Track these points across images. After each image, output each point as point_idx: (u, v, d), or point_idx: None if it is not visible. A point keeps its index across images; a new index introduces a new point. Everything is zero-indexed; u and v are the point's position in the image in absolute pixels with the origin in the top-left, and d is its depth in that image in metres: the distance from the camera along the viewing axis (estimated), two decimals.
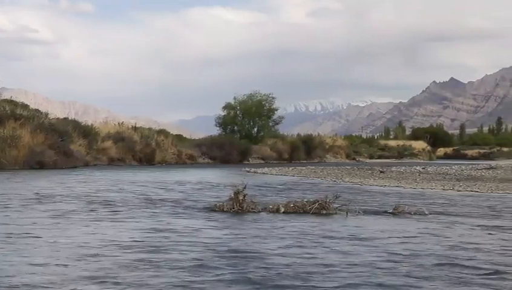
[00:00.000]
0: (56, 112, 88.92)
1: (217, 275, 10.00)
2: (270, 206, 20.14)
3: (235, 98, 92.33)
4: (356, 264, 11.07)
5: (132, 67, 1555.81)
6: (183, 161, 70.51)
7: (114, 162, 62.10)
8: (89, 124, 67.68)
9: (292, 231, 15.55)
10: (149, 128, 75.89)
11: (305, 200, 20.45)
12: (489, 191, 31.76)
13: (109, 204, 21.06)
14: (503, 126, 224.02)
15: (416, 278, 10.03)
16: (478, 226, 17.27)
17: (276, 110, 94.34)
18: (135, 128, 71.22)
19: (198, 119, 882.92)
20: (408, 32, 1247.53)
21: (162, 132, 76.00)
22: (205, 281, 9.58)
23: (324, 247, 13.07)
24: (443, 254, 12.38)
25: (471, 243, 13.95)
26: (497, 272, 10.64)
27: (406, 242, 14.02)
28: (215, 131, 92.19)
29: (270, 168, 57.33)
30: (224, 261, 11.11)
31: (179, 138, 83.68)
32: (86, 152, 58.77)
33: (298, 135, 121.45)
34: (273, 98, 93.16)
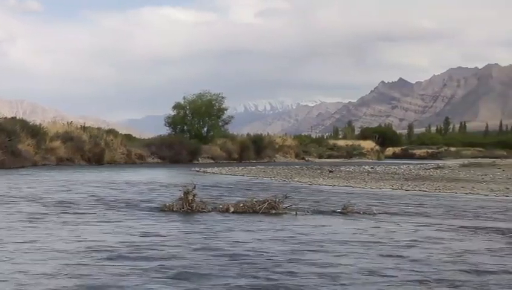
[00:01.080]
0: (4, 111, 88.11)
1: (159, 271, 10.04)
2: (220, 206, 20.17)
3: (184, 98, 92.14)
4: (291, 261, 11.17)
5: (80, 66, 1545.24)
6: (132, 161, 70.10)
7: (62, 162, 61.53)
8: (38, 123, 66.94)
9: (238, 230, 15.65)
10: (98, 128, 75.39)
11: (254, 200, 20.49)
12: (437, 191, 32.14)
13: (57, 205, 20.85)
14: (451, 126, 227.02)
15: (346, 279, 10.14)
16: (424, 225, 17.52)
17: (226, 109, 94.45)
18: (84, 128, 70.67)
19: (147, 119, 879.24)
20: (356, 32, 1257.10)
21: (111, 132, 75.49)
22: (146, 281, 9.61)
23: (269, 246, 13.15)
24: (388, 254, 12.54)
25: (416, 241, 14.18)
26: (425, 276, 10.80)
27: (349, 241, 14.16)
28: (165, 131, 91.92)
29: (220, 168, 57.31)
30: (162, 262, 11.14)
31: (128, 137, 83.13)
32: (34, 152, 58.18)
33: (248, 134, 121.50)
34: (222, 97, 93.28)
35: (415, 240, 14.44)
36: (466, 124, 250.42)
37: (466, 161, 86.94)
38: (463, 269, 10.94)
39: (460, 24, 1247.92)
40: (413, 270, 10.70)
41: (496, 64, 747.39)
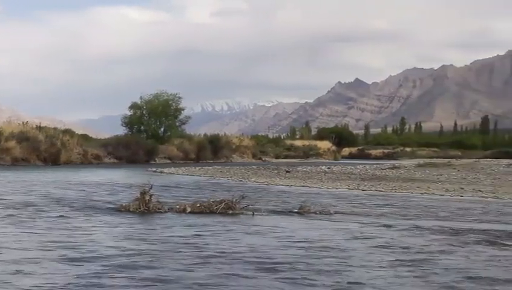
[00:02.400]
0: None
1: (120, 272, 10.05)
2: (177, 207, 20.17)
3: (141, 98, 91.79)
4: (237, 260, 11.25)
5: (36, 66, 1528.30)
6: (88, 161, 69.69)
7: (18, 162, 61.04)
8: None
9: (193, 229, 15.72)
10: (54, 128, 74.82)
11: (211, 200, 20.53)
12: (393, 191, 32.43)
13: (10, 207, 20.72)
14: (407, 126, 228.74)
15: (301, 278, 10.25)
16: (374, 224, 17.75)
17: (183, 110, 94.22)
18: (39, 128, 70.11)
19: (104, 119, 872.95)
20: (314, 33, 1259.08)
21: (67, 132, 74.98)
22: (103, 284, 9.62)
23: (222, 246, 13.21)
24: (344, 253, 12.68)
25: (365, 239, 14.36)
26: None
27: (303, 241, 14.27)
28: (122, 131, 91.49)
29: (177, 168, 57.24)
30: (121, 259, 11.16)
31: (85, 137, 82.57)
32: None
33: (205, 134, 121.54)
34: (179, 97, 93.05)
35: (356, 238, 14.81)
36: (422, 125, 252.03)
37: (421, 161, 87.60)
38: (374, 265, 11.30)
39: (416, 25, 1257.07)
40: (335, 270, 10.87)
41: (451, 65, 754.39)
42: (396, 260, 11.96)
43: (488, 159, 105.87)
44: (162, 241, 13.90)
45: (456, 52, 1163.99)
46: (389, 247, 13.59)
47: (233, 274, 10.31)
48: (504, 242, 14.67)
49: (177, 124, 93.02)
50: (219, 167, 61.40)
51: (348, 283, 9.90)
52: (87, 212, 19.27)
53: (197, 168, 59.45)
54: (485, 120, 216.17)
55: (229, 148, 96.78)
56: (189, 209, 19.63)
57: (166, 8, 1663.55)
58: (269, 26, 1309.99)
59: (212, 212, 19.35)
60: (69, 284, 9.43)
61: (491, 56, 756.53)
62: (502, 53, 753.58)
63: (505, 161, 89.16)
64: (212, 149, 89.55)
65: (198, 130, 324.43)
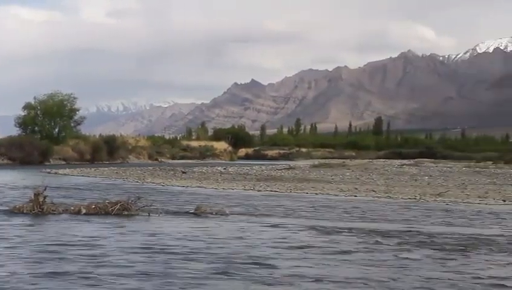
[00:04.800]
0: None
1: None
2: (72, 208, 20.00)
3: (35, 98, 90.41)
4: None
5: None
6: None
7: None
8: None
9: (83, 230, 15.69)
10: None
11: (107, 201, 20.44)
12: (289, 191, 32.81)
13: None
14: (302, 127, 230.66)
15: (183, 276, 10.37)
16: (271, 224, 18.04)
17: (78, 110, 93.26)
18: None
19: None
20: (209, 33, 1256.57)
21: None
22: None
23: (117, 247, 13.22)
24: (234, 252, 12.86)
25: (259, 239, 14.60)
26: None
27: (196, 240, 14.40)
28: (15, 131, 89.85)
29: (72, 169, 56.55)
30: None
31: None
32: None
33: (100, 135, 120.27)
34: (74, 98, 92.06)
35: (239, 237, 15.13)
36: (317, 125, 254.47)
37: (316, 161, 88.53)
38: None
39: (312, 27, 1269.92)
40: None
41: (345, 66, 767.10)
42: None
43: (381, 160, 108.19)
44: (50, 242, 13.82)
45: (351, 54, 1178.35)
46: (267, 244, 14.01)
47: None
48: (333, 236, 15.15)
49: (72, 124, 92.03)
50: (115, 168, 60.93)
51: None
52: None
53: (93, 169, 58.88)
54: (378, 121, 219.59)
55: (125, 149, 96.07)
56: (84, 211, 19.49)
57: (61, 8, 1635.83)
58: (164, 26, 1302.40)
59: (107, 214, 19.27)
60: None
61: (384, 58, 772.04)
62: (394, 55, 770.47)
63: (397, 162, 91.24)
64: (108, 150, 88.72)
65: (94, 130, 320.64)
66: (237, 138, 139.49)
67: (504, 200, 27.69)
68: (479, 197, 29.38)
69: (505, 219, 20.77)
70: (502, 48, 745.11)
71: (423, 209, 23.44)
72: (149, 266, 11.16)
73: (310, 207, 23.76)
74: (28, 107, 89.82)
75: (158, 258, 12.00)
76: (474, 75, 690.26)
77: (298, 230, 16.87)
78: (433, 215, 21.35)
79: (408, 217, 20.59)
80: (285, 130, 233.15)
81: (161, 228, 16.76)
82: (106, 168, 59.59)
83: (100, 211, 19.55)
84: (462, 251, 13.66)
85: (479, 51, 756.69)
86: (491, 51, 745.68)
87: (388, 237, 15.71)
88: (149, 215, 19.41)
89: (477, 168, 67.06)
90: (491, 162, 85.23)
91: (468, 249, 13.95)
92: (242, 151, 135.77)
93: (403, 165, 74.33)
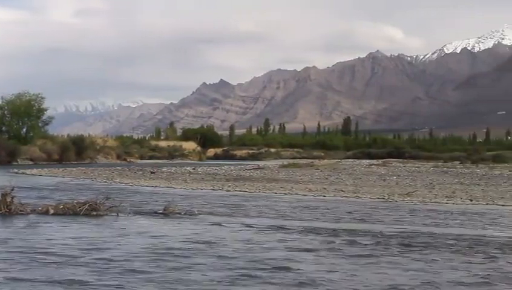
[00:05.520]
0: None
1: None
2: (39, 208, 19.94)
3: (2, 98, 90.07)
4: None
5: None
6: None
7: None
8: None
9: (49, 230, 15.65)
10: None
11: (75, 201, 20.39)
12: (258, 191, 32.91)
13: None
14: (271, 127, 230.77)
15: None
16: (238, 223, 18.16)
17: (46, 110, 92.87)
18: None
19: None
20: (178, 34, 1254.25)
21: None
22: None
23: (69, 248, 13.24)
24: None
25: (220, 239, 14.69)
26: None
27: (166, 241, 14.44)
28: None
29: (40, 169, 56.26)
30: None
31: None
32: None
33: (68, 135, 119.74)
34: (42, 98, 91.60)
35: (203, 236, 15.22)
36: (286, 125, 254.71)
37: (285, 161, 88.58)
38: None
39: (281, 27, 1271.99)
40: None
41: (314, 67, 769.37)
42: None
43: (350, 160, 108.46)
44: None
45: (319, 54, 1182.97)
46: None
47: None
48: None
49: (40, 124, 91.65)
50: (84, 168, 60.66)
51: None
52: None
53: (61, 169, 58.63)
54: (347, 121, 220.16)
55: (93, 149, 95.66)
56: (52, 211, 19.44)
57: (26, 7, 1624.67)
58: (134, 26, 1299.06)
59: (76, 214, 19.24)
60: None
61: (352, 58, 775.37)
62: (363, 55, 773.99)
63: (366, 162, 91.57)
64: (76, 150, 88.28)
65: (62, 131, 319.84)
66: (206, 138, 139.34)
67: (471, 200, 27.99)
68: (447, 196, 29.65)
69: (469, 219, 20.97)
70: (469, 48, 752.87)
71: (392, 209, 23.64)
72: (107, 265, 11.24)
73: (278, 207, 23.85)
74: None
75: (119, 258, 12.07)
76: (441, 76, 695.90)
77: (264, 229, 17.01)
78: (395, 215, 21.56)
79: (377, 217, 20.78)
80: (254, 130, 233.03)
81: (129, 227, 16.77)
82: (74, 169, 59.32)
83: (69, 211, 19.51)
84: (416, 250, 13.90)
85: (446, 52, 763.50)
86: (458, 52, 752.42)
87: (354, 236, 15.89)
88: (117, 216, 19.40)
89: (445, 168, 67.56)
90: (459, 162, 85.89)
91: (428, 247, 14.22)
92: (211, 152, 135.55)
93: (371, 165, 74.63)
